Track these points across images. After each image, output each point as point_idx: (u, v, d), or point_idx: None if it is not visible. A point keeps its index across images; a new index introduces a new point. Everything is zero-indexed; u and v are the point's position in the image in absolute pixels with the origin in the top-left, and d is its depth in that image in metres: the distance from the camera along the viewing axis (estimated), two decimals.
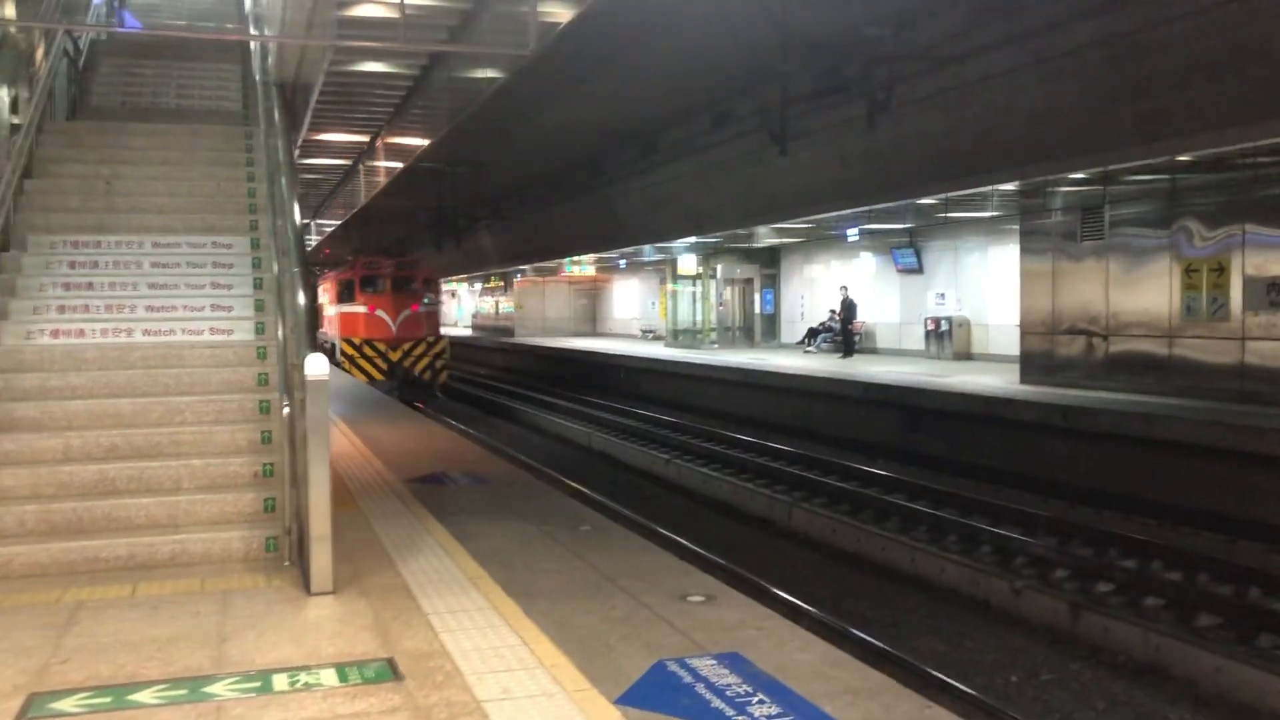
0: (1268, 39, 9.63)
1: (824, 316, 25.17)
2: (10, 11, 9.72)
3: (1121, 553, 9.74)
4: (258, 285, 8.34)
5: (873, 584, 9.65)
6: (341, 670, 4.29)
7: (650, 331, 34.88)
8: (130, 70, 12.47)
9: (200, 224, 8.96)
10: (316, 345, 6.16)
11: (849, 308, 23.22)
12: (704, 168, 18.74)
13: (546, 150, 21.46)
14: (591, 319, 42.77)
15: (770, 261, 28.58)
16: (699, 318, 28.85)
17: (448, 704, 3.95)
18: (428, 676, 4.21)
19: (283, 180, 8.07)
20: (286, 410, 5.97)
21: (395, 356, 23.48)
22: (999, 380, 16.10)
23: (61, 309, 7.76)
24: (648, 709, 3.86)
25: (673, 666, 4.26)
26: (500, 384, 29.70)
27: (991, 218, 19.00)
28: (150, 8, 16.14)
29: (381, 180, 22.34)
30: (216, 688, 4.10)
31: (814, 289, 26.92)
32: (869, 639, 7.60)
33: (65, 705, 3.95)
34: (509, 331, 42.01)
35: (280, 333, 6.98)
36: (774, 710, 3.82)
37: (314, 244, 38.58)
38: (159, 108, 11.91)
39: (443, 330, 26.65)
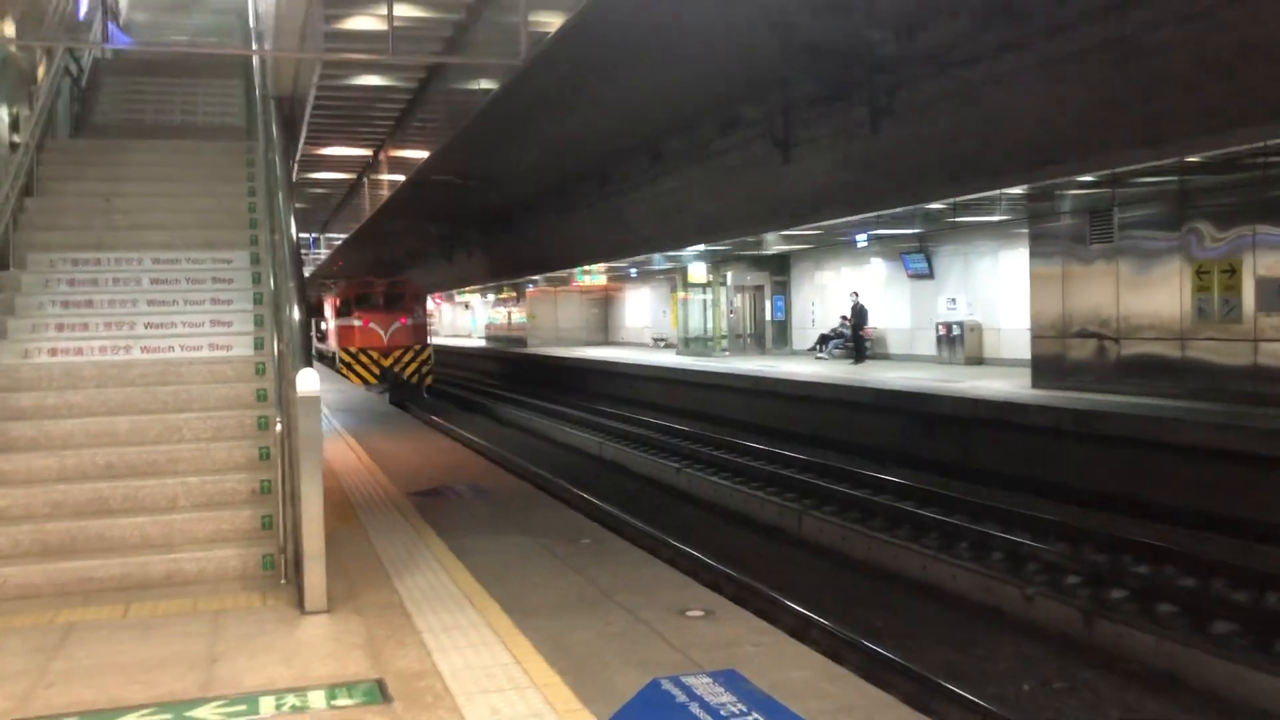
0: (1276, 38, 9.49)
1: (835, 323, 25.06)
2: (10, 31, 9.73)
3: (1135, 558, 9.61)
4: (258, 300, 8.30)
5: (883, 592, 9.54)
6: (331, 692, 4.22)
7: (662, 340, 34.87)
8: (133, 88, 12.50)
9: (200, 240, 8.94)
10: (311, 360, 6.10)
11: (860, 314, 23.11)
12: (711, 175, 18.64)
13: (555, 160, 21.45)
14: (604, 328, 42.73)
15: (781, 268, 28.51)
16: (710, 325, 28.79)
17: None
18: (417, 698, 4.13)
19: (279, 194, 8.02)
20: (279, 426, 5.91)
21: (387, 363, 26.70)
22: (1010, 385, 15.96)
23: (60, 327, 7.74)
24: None
25: (667, 685, 4.17)
26: (512, 394, 29.66)
27: (1001, 222, 18.85)
28: (156, 26, 16.20)
29: (386, 193, 22.38)
30: (201, 711, 4.04)
31: (825, 295, 26.81)
32: (877, 649, 7.49)
33: None
34: (522, 341, 42.05)
35: (275, 347, 6.94)
36: None
37: (324, 257, 38.74)
38: (163, 125, 11.91)
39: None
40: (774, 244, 25.15)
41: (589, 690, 4.17)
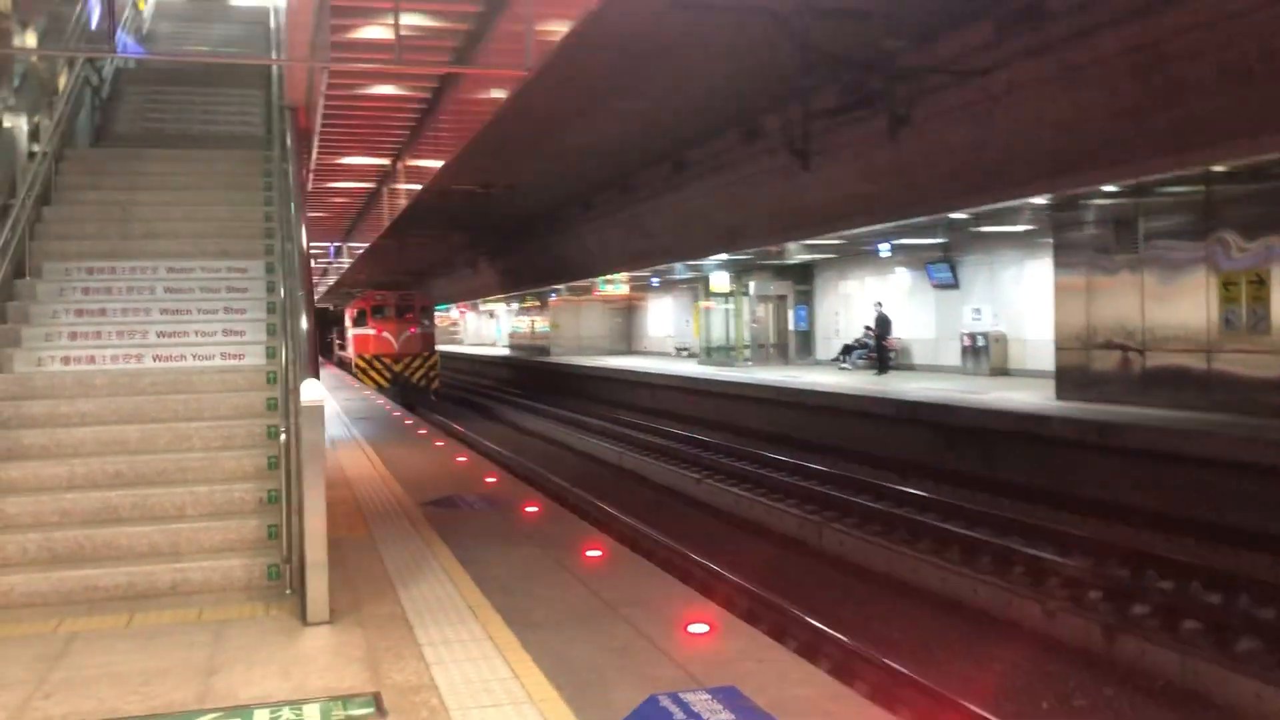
0: None
1: (859, 333, 24.89)
2: (30, 41, 9.80)
3: (1159, 574, 9.43)
4: (271, 309, 8.30)
5: (902, 605, 9.41)
6: (326, 706, 4.17)
7: (685, 349, 34.77)
8: (154, 98, 12.56)
9: (215, 249, 8.94)
10: (318, 369, 6.07)
11: (883, 324, 22.93)
12: (732, 184, 18.59)
13: (577, 170, 21.48)
14: (626, 337, 42.68)
15: (803, 278, 28.35)
16: (732, 335, 28.68)
17: None
18: (412, 712, 4.08)
19: (291, 204, 8.02)
20: (283, 436, 5.88)
21: (398, 368, 29.06)
22: (1035, 396, 15.77)
23: (74, 335, 7.76)
24: None
25: (665, 702, 4.09)
26: (533, 402, 29.67)
27: (1027, 231, 18.66)
28: (179, 36, 16.31)
29: (404, 203, 22.48)
30: None
31: (848, 305, 26.64)
32: (891, 664, 7.36)
33: None
34: (545, 350, 42.10)
35: (285, 356, 6.92)
36: None
37: (347, 266, 39.00)
38: (183, 134, 11.96)
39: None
40: (797, 253, 25.02)
41: (586, 706, 4.09)
